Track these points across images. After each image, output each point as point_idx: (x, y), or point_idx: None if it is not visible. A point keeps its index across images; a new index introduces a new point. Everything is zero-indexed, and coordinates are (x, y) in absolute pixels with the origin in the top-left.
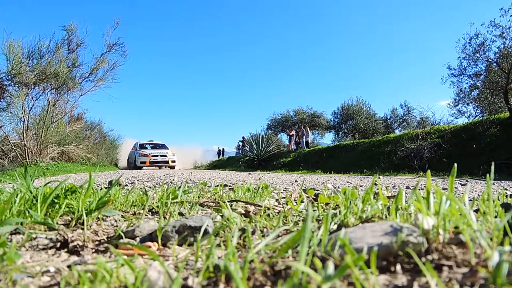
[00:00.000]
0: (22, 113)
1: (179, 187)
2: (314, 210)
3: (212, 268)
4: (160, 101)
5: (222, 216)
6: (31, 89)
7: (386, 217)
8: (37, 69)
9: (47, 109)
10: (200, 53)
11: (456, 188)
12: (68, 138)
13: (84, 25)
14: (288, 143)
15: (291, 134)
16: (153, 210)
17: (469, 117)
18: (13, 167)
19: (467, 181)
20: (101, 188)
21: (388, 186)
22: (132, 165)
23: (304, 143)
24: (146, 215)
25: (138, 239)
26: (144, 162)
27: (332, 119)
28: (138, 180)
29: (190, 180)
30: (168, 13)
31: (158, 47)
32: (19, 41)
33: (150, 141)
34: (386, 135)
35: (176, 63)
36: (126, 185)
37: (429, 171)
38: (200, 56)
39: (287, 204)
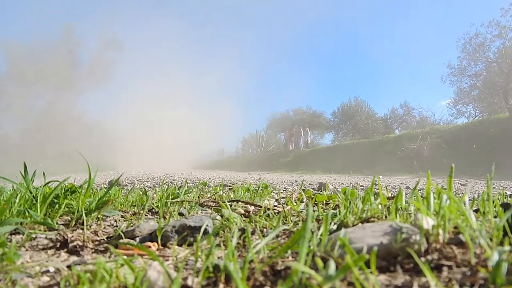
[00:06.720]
0: (21, 112)
1: (179, 187)
2: (314, 210)
3: (211, 268)
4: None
5: (222, 216)
6: (30, 89)
7: (386, 217)
8: (37, 69)
9: (47, 108)
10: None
11: (456, 188)
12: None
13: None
14: (288, 144)
15: (290, 134)
16: (153, 210)
17: (468, 117)
18: (12, 166)
19: (466, 181)
20: (101, 188)
21: (388, 186)
22: None
23: (304, 143)
24: (146, 215)
25: (138, 239)
26: None
27: (332, 119)
28: (137, 180)
29: (190, 180)
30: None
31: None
32: (19, 41)
33: None
34: (386, 135)
35: (174, 62)
36: (126, 185)
37: (429, 171)
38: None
39: (287, 204)
